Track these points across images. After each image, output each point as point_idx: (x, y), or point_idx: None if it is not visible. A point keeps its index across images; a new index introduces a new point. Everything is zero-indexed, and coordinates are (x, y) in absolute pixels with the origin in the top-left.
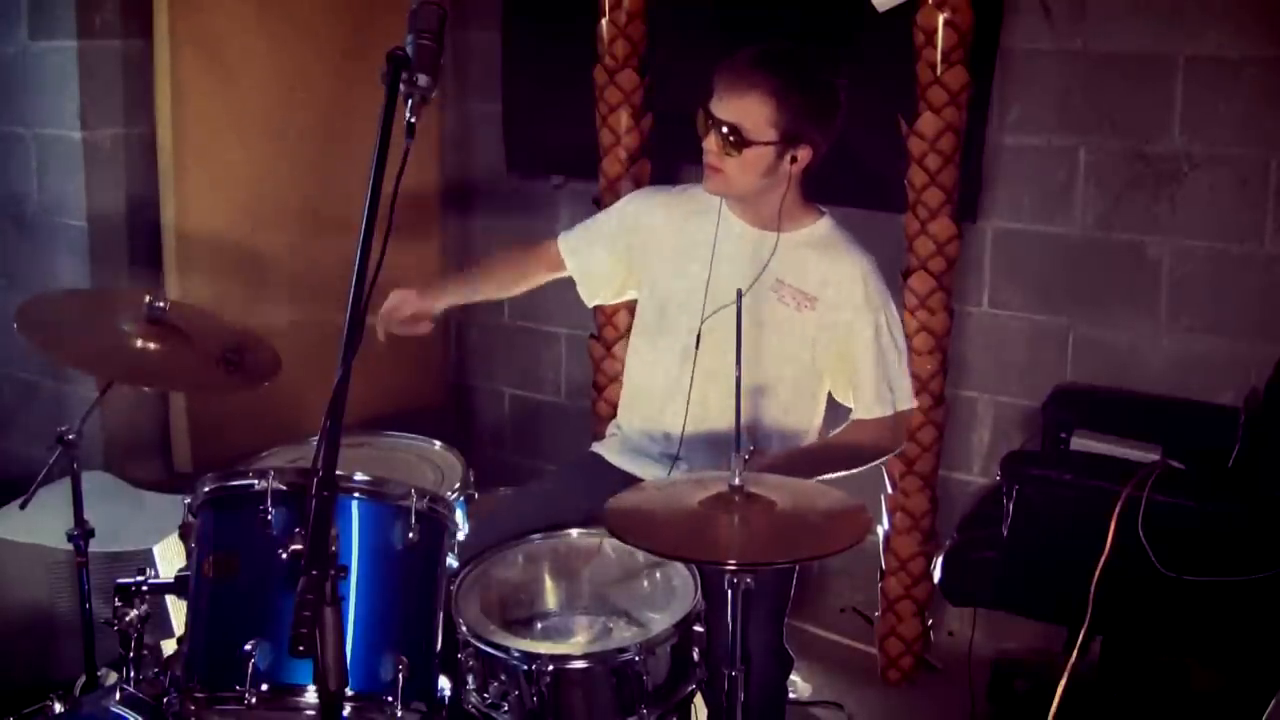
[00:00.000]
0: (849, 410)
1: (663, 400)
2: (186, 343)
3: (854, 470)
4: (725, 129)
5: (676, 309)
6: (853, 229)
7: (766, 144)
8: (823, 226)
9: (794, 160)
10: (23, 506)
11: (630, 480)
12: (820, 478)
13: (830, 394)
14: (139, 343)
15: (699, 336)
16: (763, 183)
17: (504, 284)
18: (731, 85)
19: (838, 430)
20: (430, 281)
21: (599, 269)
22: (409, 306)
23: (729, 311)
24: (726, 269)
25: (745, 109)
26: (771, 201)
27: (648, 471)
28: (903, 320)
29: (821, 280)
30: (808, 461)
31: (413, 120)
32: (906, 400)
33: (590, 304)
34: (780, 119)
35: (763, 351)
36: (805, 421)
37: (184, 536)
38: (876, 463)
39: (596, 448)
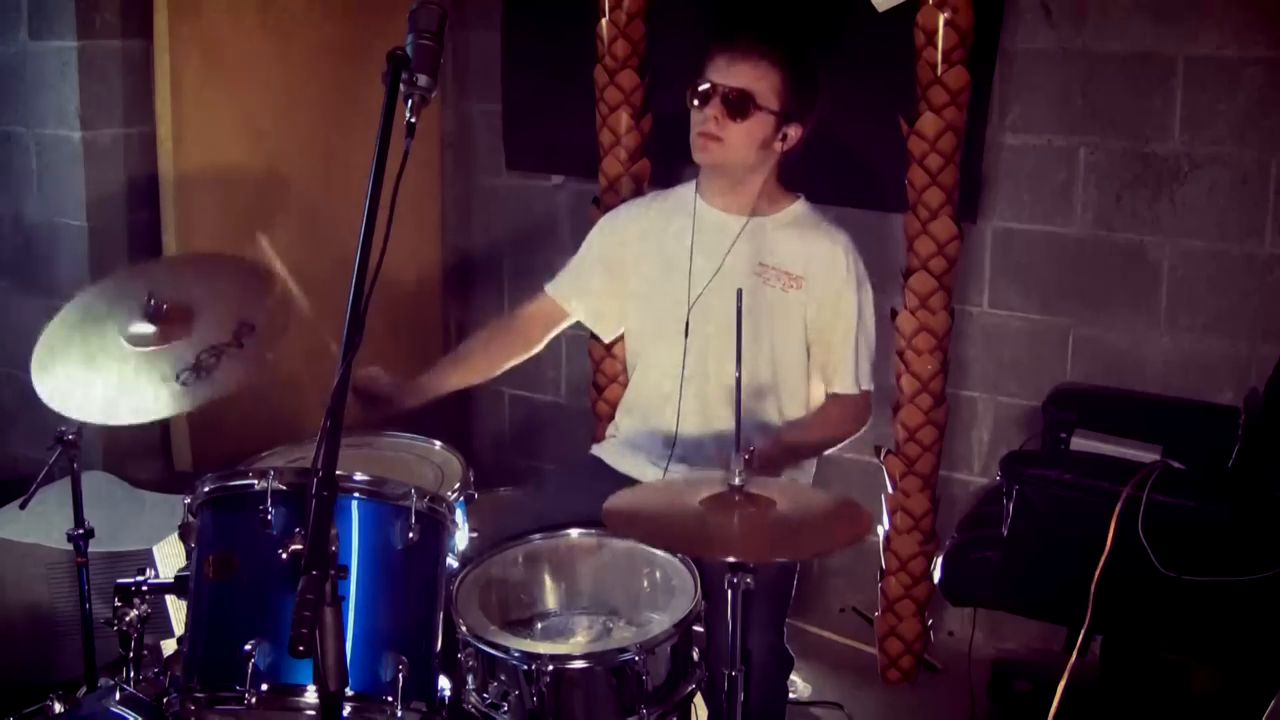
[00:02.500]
0: None
1: (658, 398)
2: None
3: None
4: (732, 94)
5: (662, 304)
6: (853, 229)
7: (769, 112)
8: (800, 207)
9: (784, 139)
10: (23, 506)
11: (629, 483)
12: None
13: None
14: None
15: (686, 326)
16: (756, 157)
17: (493, 359)
18: (742, 53)
19: (813, 411)
20: (418, 370)
21: (601, 299)
22: (384, 387)
23: (715, 300)
24: (706, 257)
25: (756, 75)
26: (754, 183)
27: (646, 473)
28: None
29: (805, 259)
30: (795, 450)
31: (413, 120)
32: (870, 380)
33: (608, 338)
34: (784, 90)
35: (757, 340)
36: (805, 411)
37: (184, 536)
38: (840, 445)
39: (595, 450)
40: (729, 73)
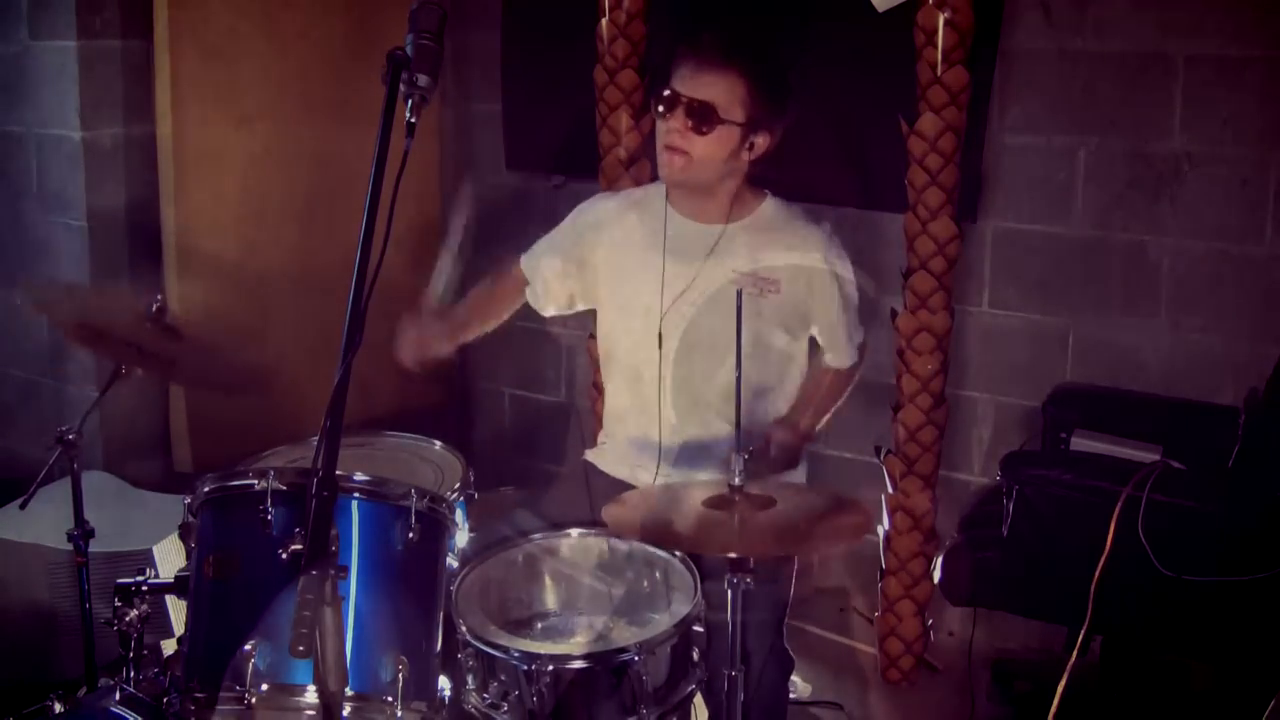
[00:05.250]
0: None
1: (637, 408)
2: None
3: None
4: (696, 106)
5: (634, 312)
6: (852, 229)
7: (734, 124)
8: (769, 206)
9: (751, 148)
10: (23, 506)
11: (624, 488)
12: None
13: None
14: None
15: (660, 338)
16: (723, 168)
17: (486, 316)
18: (704, 64)
19: (812, 381)
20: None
21: (551, 275)
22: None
23: (689, 310)
24: (678, 266)
25: (719, 87)
26: (724, 192)
27: (639, 478)
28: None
29: (782, 260)
30: (812, 432)
31: (413, 120)
32: (861, 332)
33: (544, 313)
34: (749, 101)
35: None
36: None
37: (184, 536)
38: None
39: (589, 456)
40: (693, 83)
